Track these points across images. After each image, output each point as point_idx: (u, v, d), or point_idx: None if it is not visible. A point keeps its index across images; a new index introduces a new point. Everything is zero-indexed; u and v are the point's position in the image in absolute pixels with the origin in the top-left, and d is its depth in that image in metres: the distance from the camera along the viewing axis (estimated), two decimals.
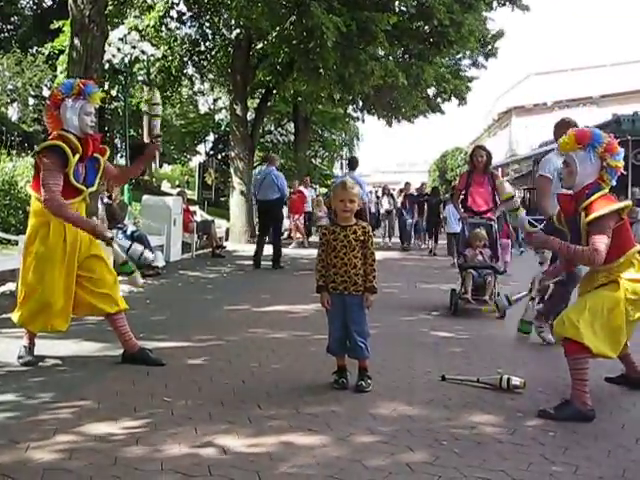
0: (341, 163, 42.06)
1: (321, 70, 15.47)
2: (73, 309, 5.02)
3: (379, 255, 5.09)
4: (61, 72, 15.74)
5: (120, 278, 5.16)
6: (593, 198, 4.15)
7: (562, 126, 6.01)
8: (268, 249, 12.50)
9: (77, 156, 4.80)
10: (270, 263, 12.40)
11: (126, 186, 14.01)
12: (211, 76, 21.02)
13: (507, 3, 19.08)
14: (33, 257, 4.87)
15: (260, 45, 17.58)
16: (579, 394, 3.99)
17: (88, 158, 4.96)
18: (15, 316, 4.99)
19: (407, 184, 21.37)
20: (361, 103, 23.33)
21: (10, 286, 8.31)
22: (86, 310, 5.10)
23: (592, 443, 3.59)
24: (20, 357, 4.94)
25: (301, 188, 20.18)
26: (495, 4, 19.13)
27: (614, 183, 4.30)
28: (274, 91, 19.96)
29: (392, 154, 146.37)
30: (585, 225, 4.17)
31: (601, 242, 4.05)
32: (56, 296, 4.82)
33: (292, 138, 30.52)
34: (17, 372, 4.74)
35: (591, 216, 4.10)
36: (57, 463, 3.12)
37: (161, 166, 36.64)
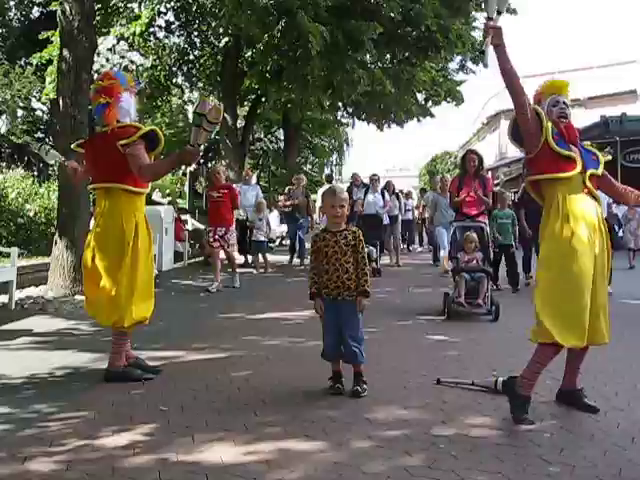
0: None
1: (309, 77, 15.49)
2: None
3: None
4: (49, 83, 15.70)
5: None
6: None
7: None
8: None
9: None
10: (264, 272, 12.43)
11: None
12: (200, 84, 21.01)
13: None
14: (138, 254, 4.80)
15: (249, 53, 17.58)
16: (527, 380, 4.00)
17: None
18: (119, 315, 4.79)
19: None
20: (351, 109, 23.33)
21: (3, 298, 8.27)
22: None
23: (588, 443, 3.61)
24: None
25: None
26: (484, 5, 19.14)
27: None
28: (263, 99, 19.97)
29: (381, 159, 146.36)
30: None
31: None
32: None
33: (282, 145, 30.55)
34: (13, 384, 4.74)
35: None
36: (55, 475, 3.12)
37: None
